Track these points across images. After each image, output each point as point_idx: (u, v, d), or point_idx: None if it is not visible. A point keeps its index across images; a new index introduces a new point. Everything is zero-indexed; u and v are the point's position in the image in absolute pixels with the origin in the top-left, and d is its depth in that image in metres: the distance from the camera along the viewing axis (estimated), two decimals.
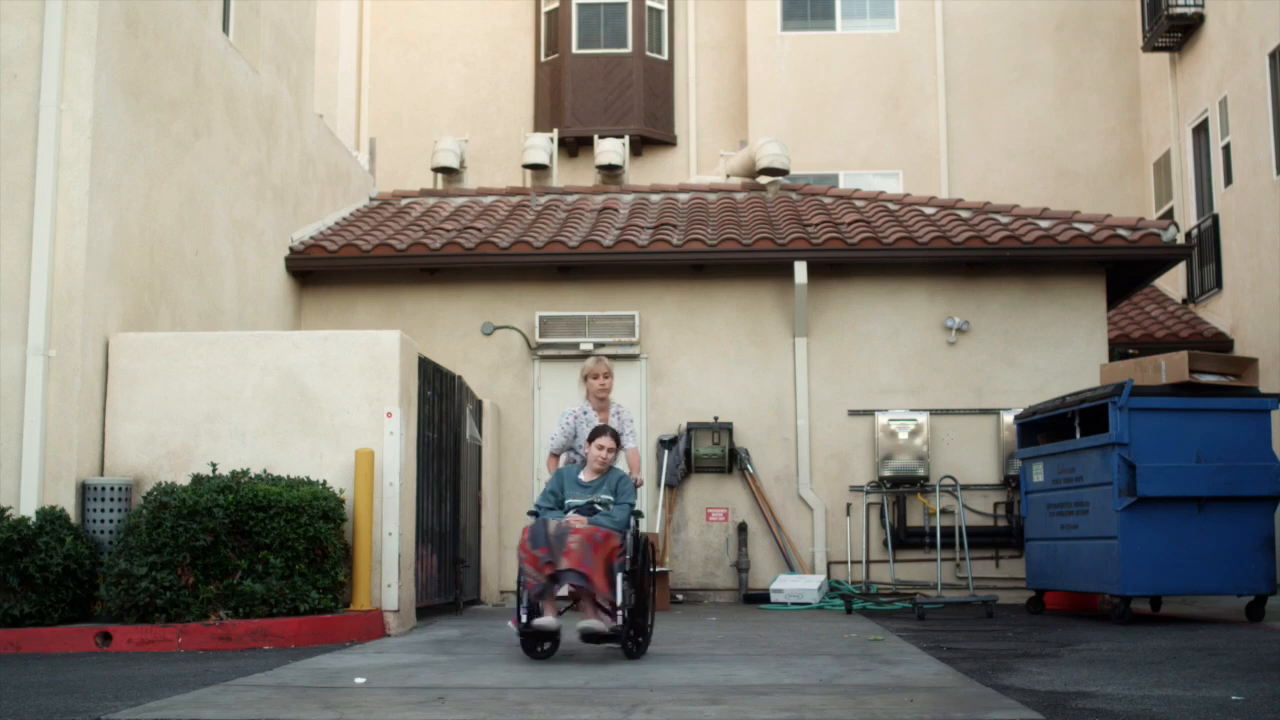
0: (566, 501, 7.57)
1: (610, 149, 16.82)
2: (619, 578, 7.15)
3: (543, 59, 20.54)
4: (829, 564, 12.94)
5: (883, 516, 12.96)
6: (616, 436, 7.74)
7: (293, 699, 5.62)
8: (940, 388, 13.13)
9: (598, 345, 13.18)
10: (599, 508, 7.48)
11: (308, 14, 14.01)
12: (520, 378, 13.33)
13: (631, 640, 7.24)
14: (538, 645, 7.24)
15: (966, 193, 19.20)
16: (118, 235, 9.48)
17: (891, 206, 14.69)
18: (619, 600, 7.12)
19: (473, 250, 13.15)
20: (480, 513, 12.52)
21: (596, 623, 7.14)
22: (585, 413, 8.21)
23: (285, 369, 9.47)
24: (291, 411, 9.40)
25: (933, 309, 13.26)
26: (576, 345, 13.20)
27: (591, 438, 7.70)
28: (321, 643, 8.06)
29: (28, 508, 8.72)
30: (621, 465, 7.99)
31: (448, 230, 13.87)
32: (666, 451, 12.99)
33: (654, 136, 20.14)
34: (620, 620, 7.12)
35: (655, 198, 15.88)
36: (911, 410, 13.02)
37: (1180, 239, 13.52)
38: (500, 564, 13.06)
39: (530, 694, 5.73)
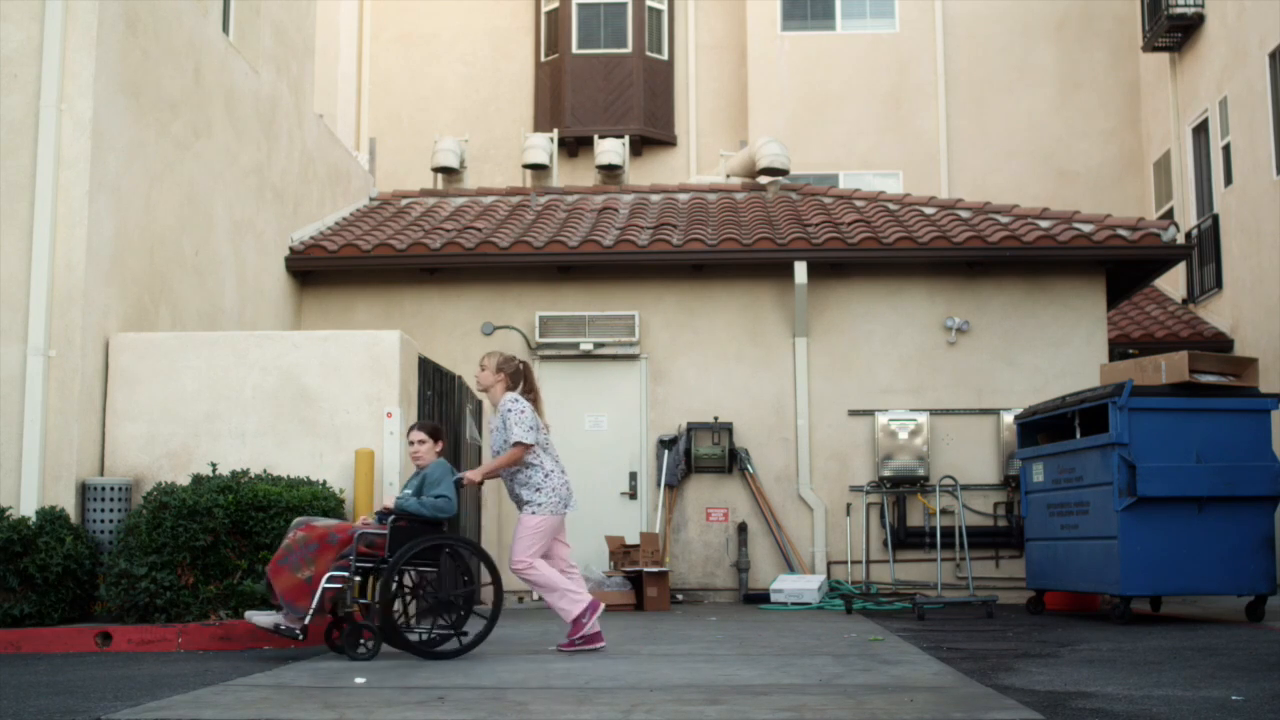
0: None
1: (610, 149, 16.82)
2: (324, 581, 7.24)
3: (543, 59, 20.54)
4: (829, 564, 12.94)
5: (883, 516, 12.96)
6: (427, 430, 7.82)
7: (293, 699, 5.62)
8: (940, 388, 13.13)
9: (598, 345, 13.20)
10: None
11: (308, 14, 14.01)
12: None
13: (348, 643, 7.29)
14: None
15: (966, 193, 19.20)
16: (118, 235, 9.48)
17: (891, 206, 14.69)
18: (312, 605, 7.25)
19: (473, 250, 13.15)
20: (480, 513, 12.51)
21: (257, 615, 7.39)
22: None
23: (285, 369, 9.47)
24: (291, 411, 9.40)
25: (933, 309, 13.26)
26: (576, 345, 13.21)
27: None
28: (322, 643, 8.05)
29: (28, 508, 8.73)
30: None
31: (448, 230, 13.87)
32: (666, 451, 12.99)
33: (654, 136, 20.13)
34: (300, 619, 7.22)
35: (655, 198, 15.88)
36: (911, 410, 13.02)
37: (1180, 239, 13.52)
38: (500, 564, 13.04)
39: (530, 694, 5.73)
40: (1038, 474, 10.80)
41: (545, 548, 7.74)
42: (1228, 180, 16.50)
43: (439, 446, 7.81)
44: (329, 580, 7.28)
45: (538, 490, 7.68)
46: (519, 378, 7.89)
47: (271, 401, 9.41)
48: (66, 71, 9.11)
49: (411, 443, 7.78)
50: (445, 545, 7.55)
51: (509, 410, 7.69)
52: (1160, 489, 9.40)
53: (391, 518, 7.47)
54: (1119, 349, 16.24)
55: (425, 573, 7.59)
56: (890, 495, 12.96)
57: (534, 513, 7.65)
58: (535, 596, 13.12)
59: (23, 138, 9.08)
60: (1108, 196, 19.42)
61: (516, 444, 7.62)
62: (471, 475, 7.76)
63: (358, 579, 7.38)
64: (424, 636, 7.44)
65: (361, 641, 7.23)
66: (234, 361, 9.47)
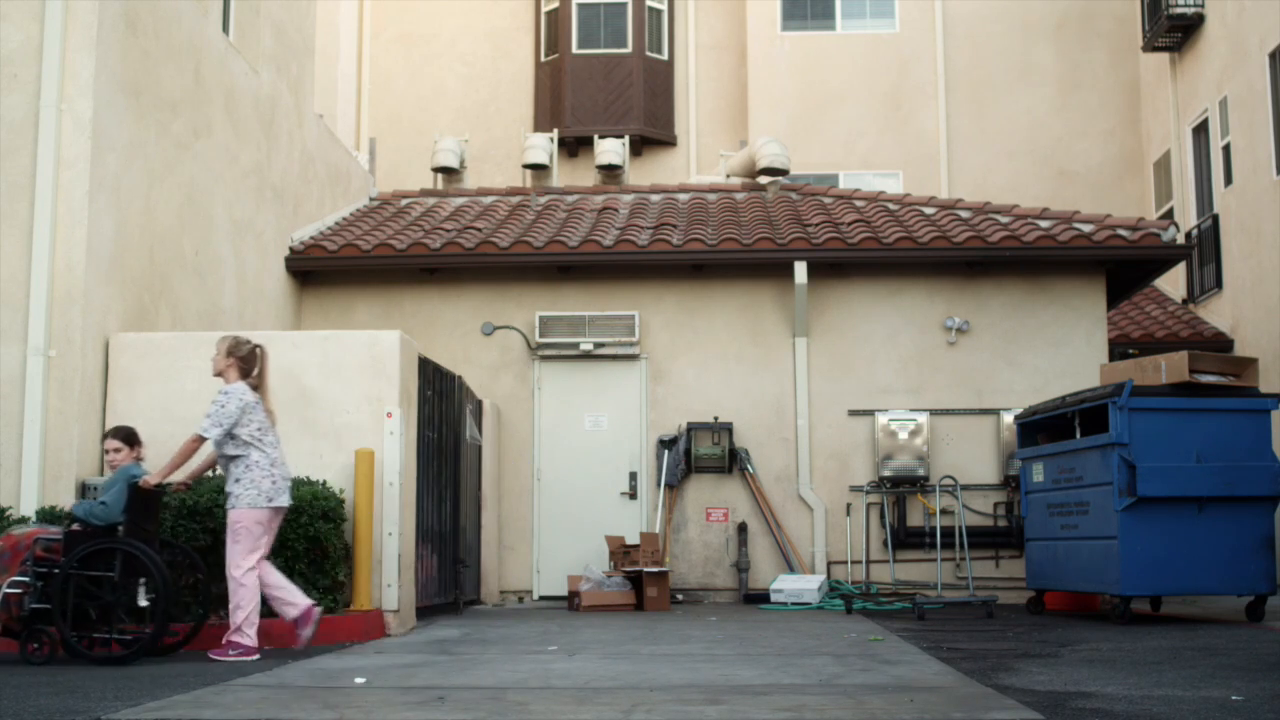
0: None
1: (610, 149, 16.82)
2: (5, 587, 7.34)
3: (543, 59, 20.54)
4: (829, 564, 12.94)
5: (883, 516, 12.96)
6: (121, 438, 7.74)
7: (293, 699, 5.62)
8: (940, 388, 13.13)
9: (598, 345, 13.20)
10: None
11: (308, 14, 14.01)
12: (520, 378, 13.33)
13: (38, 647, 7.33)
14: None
15: (966, 193, 19.20)
16: (117, 235, 9.48)
17: (891, 206, 14.69)
18: None
19: (473, 250, 13.15)
20: (480, 512, 12.52)
21: None
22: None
23: (285, 369, 9.45)
24: (291, 411, 9.38)
25: (933, 309, 13.26)
26: (576, 345, 13.21)
27: None
28: (321, 643, 8.05)
29: (28, 508, 8.72)
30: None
31: (448, 230, 13.87)
32: (666, 451, 12.99)
33: (654, 136, 20.14)
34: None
35: (655, 198, 15.88)
36: (911, 410, 13.02)
37: (1180, 239, 13.52)
38: (500, 564, 13.06)
39: (530, 694, 5.73)
40: (1038, 474, 10.81)
41: (260, 548, 7.62)
42: (1228, 180, 16.50)
43: (135, 452, 7.78)
44: (10, 586, 7.39)
45: (236, 481, 7.56)
46: (252, 361, 7.76)
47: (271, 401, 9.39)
48: (66, 71, 9.11)
49: (107, 450, 7.78)
50: (118, 549, 7.45)
51: (214, 400, 7.61)
52: (1160, 489, 9.41)
53: (68, 523, 7.57)
54: (1119, 349, 16.24)
55: (99, 577, 7.45)
56: (890, 495, 12.96)
57: (233, 506, 7.56)
58: (536, 596, 13.12)
59: (23, 138, 9.08)
60: (1108, 196, 19.43)
61: (196, 435, 7.56)
62: (148, 478, 7.63)
63: (40, 584, 7.41)
64: (104, 640, 7.42)
65: (36, 646, 7.31)
66: None
